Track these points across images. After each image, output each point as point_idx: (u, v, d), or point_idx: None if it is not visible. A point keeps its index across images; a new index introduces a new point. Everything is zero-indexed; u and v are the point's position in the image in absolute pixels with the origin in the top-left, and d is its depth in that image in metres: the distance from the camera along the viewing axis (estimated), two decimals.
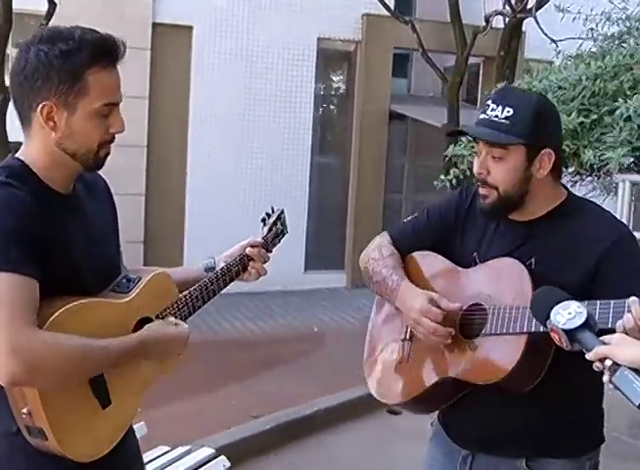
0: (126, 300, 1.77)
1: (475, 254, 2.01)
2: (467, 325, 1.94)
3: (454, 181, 5.45)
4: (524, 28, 9.00)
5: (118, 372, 1.72)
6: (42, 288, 1.61)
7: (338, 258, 12.64)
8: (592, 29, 5.70)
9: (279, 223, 2.21)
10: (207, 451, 3.16)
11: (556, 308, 1.53)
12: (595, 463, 2.01)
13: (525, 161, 1.88)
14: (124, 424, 1.80)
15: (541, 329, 1.71)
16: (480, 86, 13.41)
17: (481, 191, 1.95)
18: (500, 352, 1.85)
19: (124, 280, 1.82)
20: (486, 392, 1.89)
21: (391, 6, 9.34)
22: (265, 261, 2.09)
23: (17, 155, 1.74)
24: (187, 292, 1.94)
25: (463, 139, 5.53)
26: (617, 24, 5.46)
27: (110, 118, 1.71)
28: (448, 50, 10.58)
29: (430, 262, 2.08)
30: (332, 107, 13.49)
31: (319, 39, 12.31)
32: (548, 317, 1.54)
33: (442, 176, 5.51)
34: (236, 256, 2.07)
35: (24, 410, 1.61)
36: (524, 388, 1.86)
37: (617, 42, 5.40)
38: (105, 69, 1.68)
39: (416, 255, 2.12)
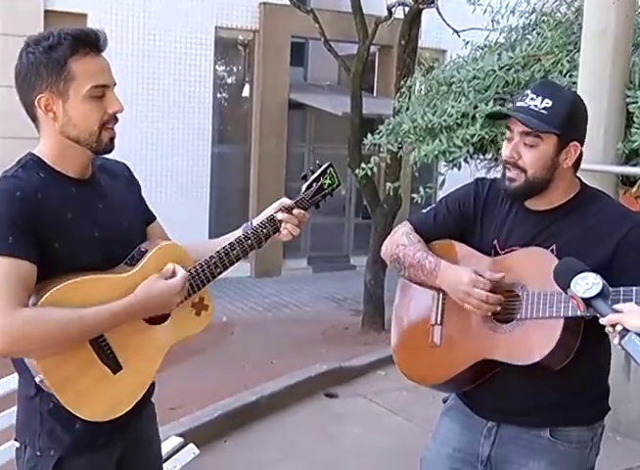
0: (131, 272, 1.86)
1: (495, 241, 2.11)
2: (500, 310, 2.03)
3: (375, 169, 5.61)
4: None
5: (125, 340, 1.83)
6: (46, 268, 1.74)
7: None
8: (493, 21, 5.98)
9: (323, 178, 2.16)
10: (176, 440, 3.18)
11: (575, 279, 1.72)
12: (603, 428, 2.19)
13: (555, 150, 2.01)
14: (140, 388, 1.91)
15: (578, 313, 1.84)
16: (376, 74, 13.72)
17: (510, 174, 2.05)
18: (539, 333, 1.96)
19: (136, 254, 1.92)
20: (515, 369, 1.99)
21: None
22: (301, 221, 2.08)
23: (32, 151, 1.87)
24: (204, 259, 1.98)
25: (381, 128, 5.70)
26: (522, 17, 5.74)
27: (104, 100, 1.82)
28: (343, 39, 10.79)
29: (455, 250, 2.16)
30: (231, 96, 13.43)
31: (217, 28, 12.26)
32: (569, 286, 1.73)
33: (363, 165, 5.66)
34: (264, 218, 2.07)
35: (37, 379, 1.76)
36: (558, 365, 1.98)
37: (520, 34, 5.68)
38: (87, 55, 1.79)
39: (438, 243, 2.20)
